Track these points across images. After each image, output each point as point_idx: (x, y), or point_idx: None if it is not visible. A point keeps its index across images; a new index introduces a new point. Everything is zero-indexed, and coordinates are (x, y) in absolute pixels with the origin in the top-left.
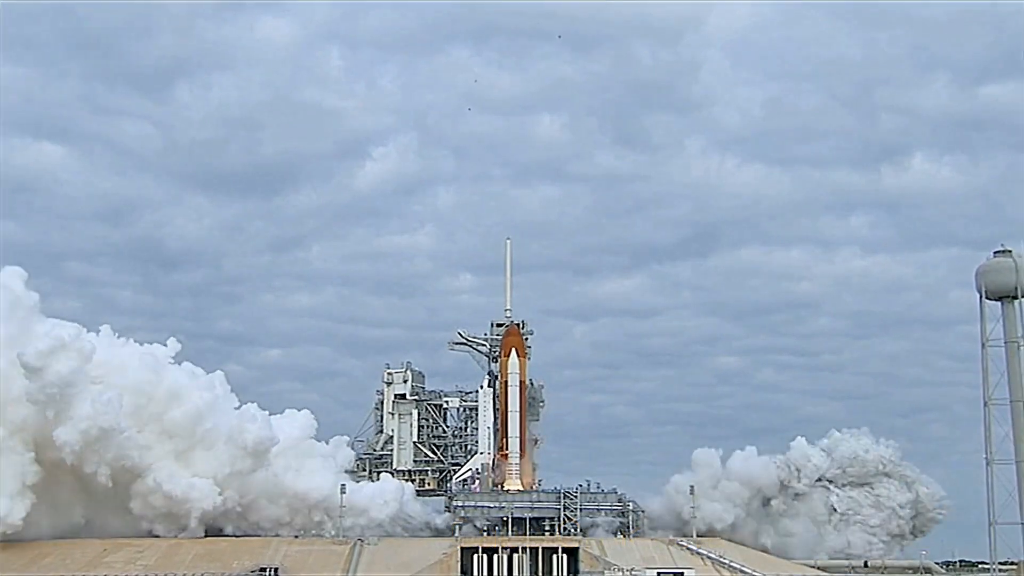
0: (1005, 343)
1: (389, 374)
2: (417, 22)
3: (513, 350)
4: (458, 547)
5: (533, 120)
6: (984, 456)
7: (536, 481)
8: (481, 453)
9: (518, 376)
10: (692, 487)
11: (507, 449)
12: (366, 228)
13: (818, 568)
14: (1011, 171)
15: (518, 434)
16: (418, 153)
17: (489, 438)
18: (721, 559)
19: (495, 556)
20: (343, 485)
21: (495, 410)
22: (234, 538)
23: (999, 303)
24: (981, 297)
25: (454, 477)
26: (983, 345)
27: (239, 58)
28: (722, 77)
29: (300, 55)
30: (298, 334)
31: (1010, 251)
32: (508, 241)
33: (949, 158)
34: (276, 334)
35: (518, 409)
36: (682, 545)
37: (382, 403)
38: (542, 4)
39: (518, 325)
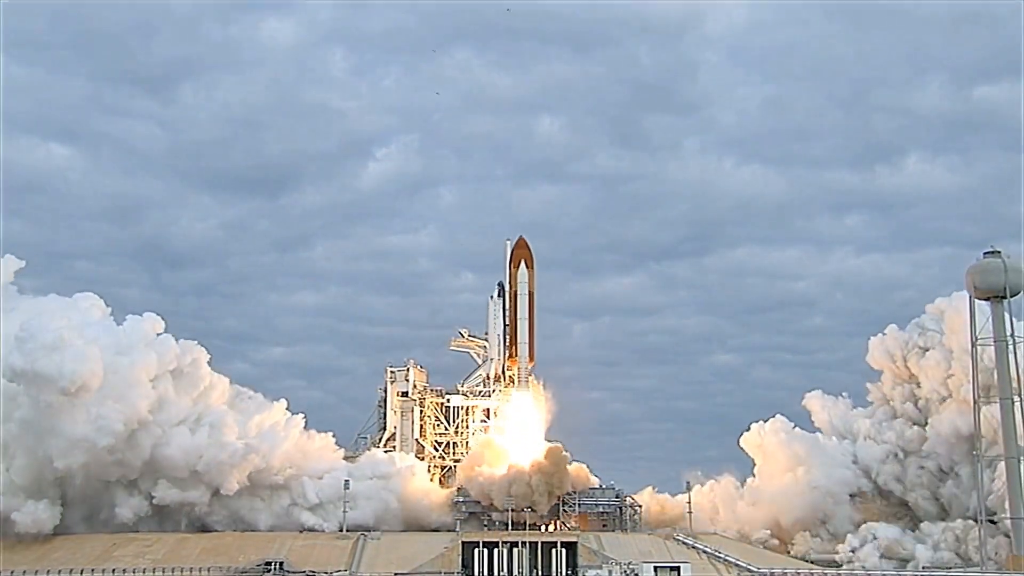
0: (995, 342)
1: (392, 372)
2: (420, 23)
3: (522, 261)
4: (459, 541)
5: (534, 121)
6: (975, 451)
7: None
8: (491, 359)
9: (527, 286)
10: (688, 483)
11: (516, 355)
12: (369, 228)
13: (811, 562)
14: (1004, 171)
15: (527, 340)
16: (420, 153)
17: (499, 344)
18: (717, 553)
19: (495, 550)
20: (347, 481)
21: (504, 319)
22: (239, 533)
23: (988, 303)
24: (971, 297)
25: (465, 380)
26: (973, 344)
27: (244, 59)
28: (720, 78)
29: (304, 56)
30: (302, 332)
31: (999, 252)
32: (508, 242)
33: (943, 159)
34: (280, 332)
35: (527, 316)
36: (679, 540)
37: (385, 400)
38: (543, 6)
39: (524, 239)
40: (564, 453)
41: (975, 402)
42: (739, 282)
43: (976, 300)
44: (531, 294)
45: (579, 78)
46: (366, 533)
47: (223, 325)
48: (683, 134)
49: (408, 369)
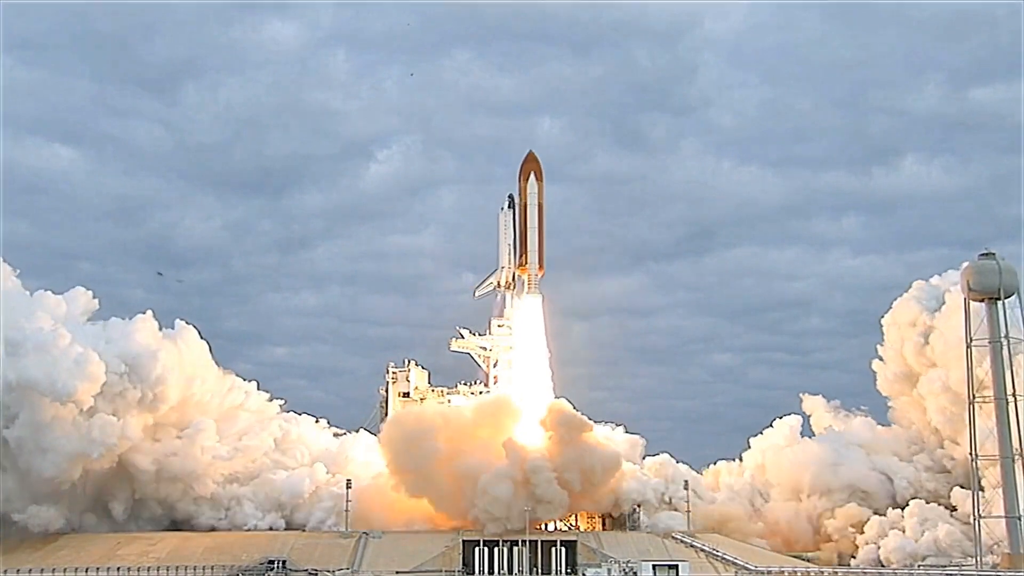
0: (990, 343)
1: (393, 372)
2: (421, 25)
3: (532, 173)
4: (460, 540)
5: (534, 122)
6: (970, 452)
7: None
8: (502, 268)
9: (536, 197)
10: (686, 482)
11: (527, 262)
12: (371, 228)
13: (808, 560)
14: (1000, 173)
15: (536, 248)
16: (421, 155)
17: (510, 254)
18: (715, 551)
19: (496, 549)
20: (348, 480)
21: (514, 229)
22: (243, 532)
23: (983, 304)
24: (966, 298)
25: (479, 285)
26: (968, 345)
27: (246, 60)
28: (718, 80)
29: (306, 57)
30: (304, 333)
31: (994, 254)
32: (508, 244)
33: (939, 160)
34: (282, 332)
35: (536, 226)
36: (677, 538)
37: (387, 401)
38: (543, 7)
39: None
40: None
41: (970, 403)
42: (737, 283)
43: (971, 302)
44: (540, 205)
45: (579, 80)
46: (368, 532)
47: (226, 325)
48: (681, 135)
49: (409, 369)
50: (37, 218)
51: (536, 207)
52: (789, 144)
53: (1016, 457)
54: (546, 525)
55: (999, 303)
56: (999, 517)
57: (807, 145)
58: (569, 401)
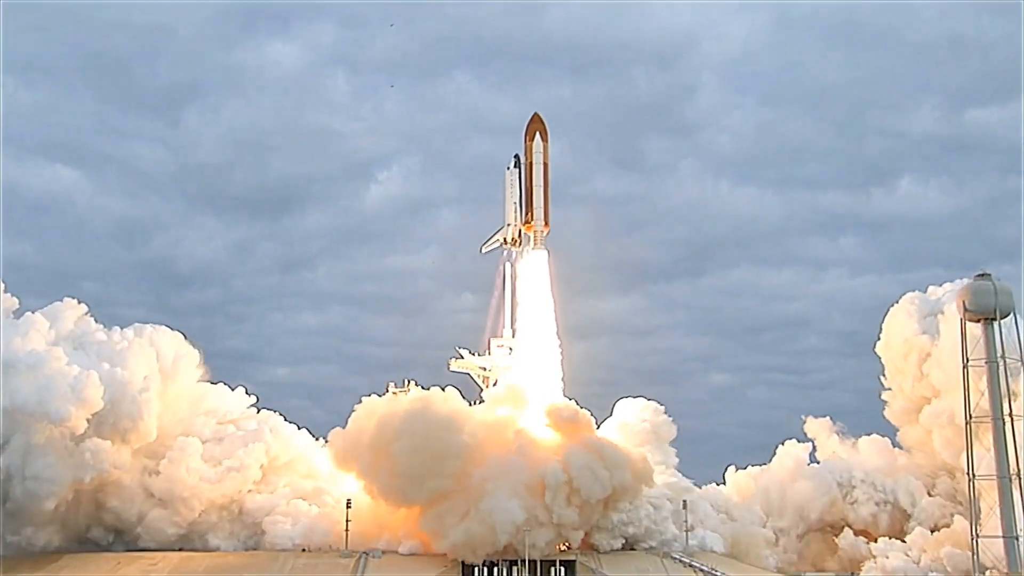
0: (986, 363)
1: (394, 392)
2: (421, 47)
3: (537, 133)
4: (460, 560)
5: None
6: (967, 471)
7: None
8: (508, 225)
9: (541, 156)
10: (685, 502)
11: (532, 219)
12: (371, 249)
13: None
14: (995, 193)
15: (542, 205)
16: (421, 176)
17: (516, 211)
18: (714, 572)
19: (495, 569)
20: (348, 500)
21: (520, 187)
22: (243, 552)
23: (979, 324)
24: (963, 319)
25: (486, 241)
26: (964, 365)
27: (248, 82)
28: (716, 101)
29: (307, 79)
30: (305, 352)
31: (989, 275)
32: (508, 263)
33: (935, 181)
34: (284, 352)
35: (542, 184)
36: (675, 558)
37: None
38: (542, 29)
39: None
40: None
41: (967, 423)
42: (735, 303)
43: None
44: (545, 164)
45: (578, 101)
46: (368, 552)
47: (227, 345)
48: (680, 156)
49: (409, 389)
50: (40, 238)
51: (541, 166)
52: (787, 165)
53: (1013, 477)
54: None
55: (995, 324)
56: (996, 537)
57: (804, 166)
58: (574, 400)
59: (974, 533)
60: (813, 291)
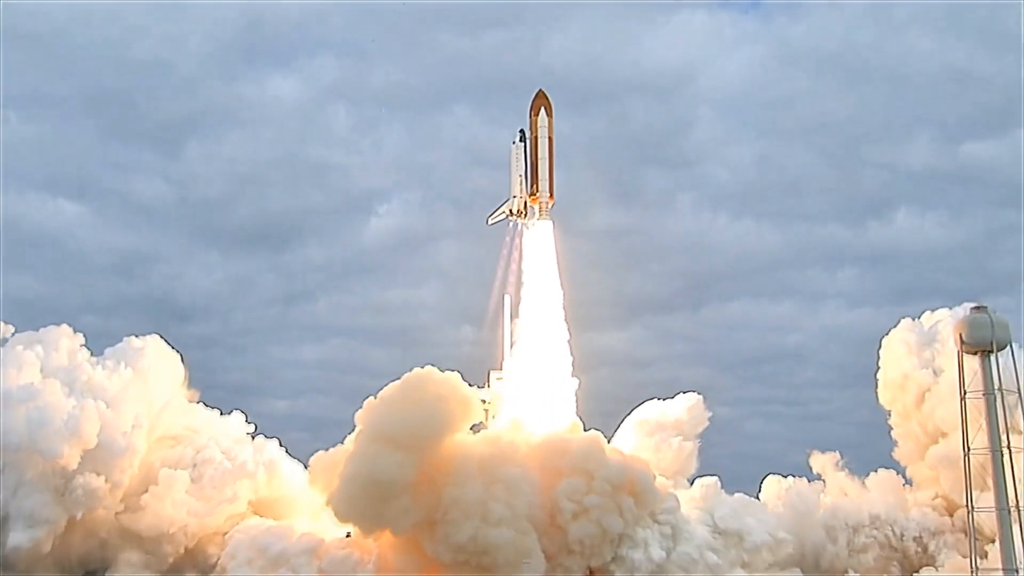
0: (984, 395)
1: None
2: (421, 82)
3: (542, 108)
4: None
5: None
6: (967, 504)
7: None
8: (514, 197)
9: (546, 130)
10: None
11: (537, 191)
12: (371, 282)
13: None
14: (992, 226)
15: (547, 177)
16: (421, 209)
17: (521, 185)
18: None
19: None
20: (348, 532)
21: (525, 161)
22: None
23: (976, 356)
24: (960, 351)
25: (491, 214)
26: (962, 398)
27: (248, 116)
28: (713, 134)
29: (307, 113)
30: (305, 385)
31: (986, 307)
32: (507, 296)
33: (932, 213)
34: (284, 385)
35: (547, 157)
36: None
37: None
38: (541, 64)
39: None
40: None
41: (965, 454)
42: (733, 335)
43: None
44: (550, 138)
45: (576, 135)
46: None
47: (227, 378)
48: (678, 189)
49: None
50: (42, 272)
51: (546, 139)
52: (784, 198)
53: (1012, 510)
54: None
55: (991, 356)
56: (996, 570)
57: (802, 199)
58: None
59: (973, 567)
60: (811, 323)
